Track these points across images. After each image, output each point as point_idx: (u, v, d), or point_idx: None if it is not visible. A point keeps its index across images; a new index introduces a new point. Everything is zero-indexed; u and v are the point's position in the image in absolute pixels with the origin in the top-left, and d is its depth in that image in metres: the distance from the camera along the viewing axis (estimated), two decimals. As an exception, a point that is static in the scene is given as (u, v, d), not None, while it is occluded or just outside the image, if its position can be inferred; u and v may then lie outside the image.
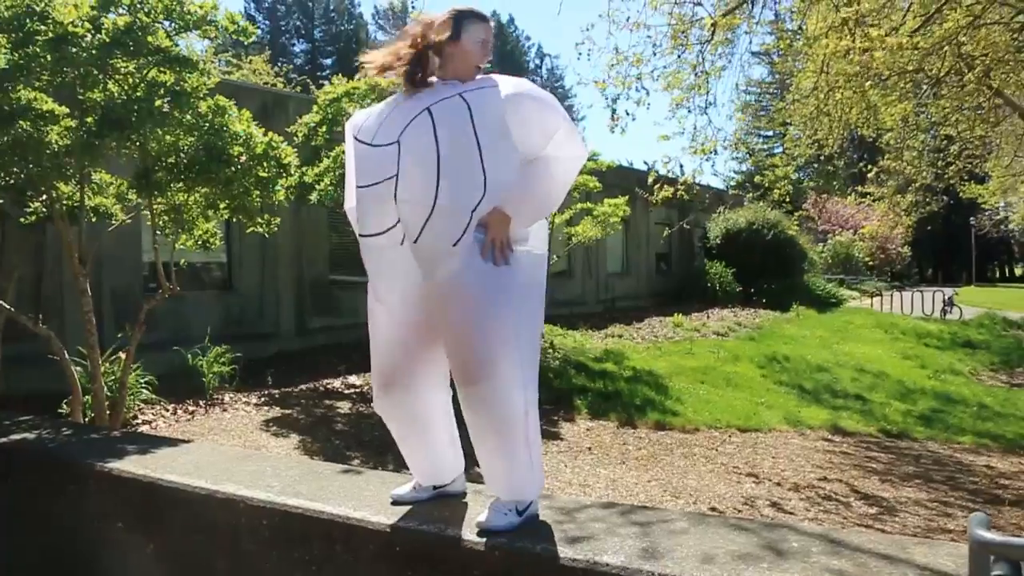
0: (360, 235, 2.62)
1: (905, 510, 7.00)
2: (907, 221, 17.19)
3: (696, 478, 7.49)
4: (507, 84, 2.59)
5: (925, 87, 10.93)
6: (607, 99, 9.78)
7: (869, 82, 9.82)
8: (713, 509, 6.62)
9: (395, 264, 2.59)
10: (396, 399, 2.65)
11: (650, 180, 11.48)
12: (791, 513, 6.66)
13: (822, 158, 12.47)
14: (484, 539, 2.36)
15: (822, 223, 35.30)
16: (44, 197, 6.38)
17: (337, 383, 10.32)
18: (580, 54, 10.04)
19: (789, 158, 12.54)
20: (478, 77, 2.65)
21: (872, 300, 28.26)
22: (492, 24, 2.68)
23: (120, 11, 5.67)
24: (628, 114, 9.84)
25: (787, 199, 13.80)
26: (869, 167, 14.19)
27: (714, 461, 8.17)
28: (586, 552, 2.22)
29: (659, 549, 2.23)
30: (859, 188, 17.34)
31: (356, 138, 2.61)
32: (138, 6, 5.64)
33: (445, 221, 2.46)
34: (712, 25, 9.15)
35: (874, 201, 16.39)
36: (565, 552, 2.23)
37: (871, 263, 36.36)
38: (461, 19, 2.60)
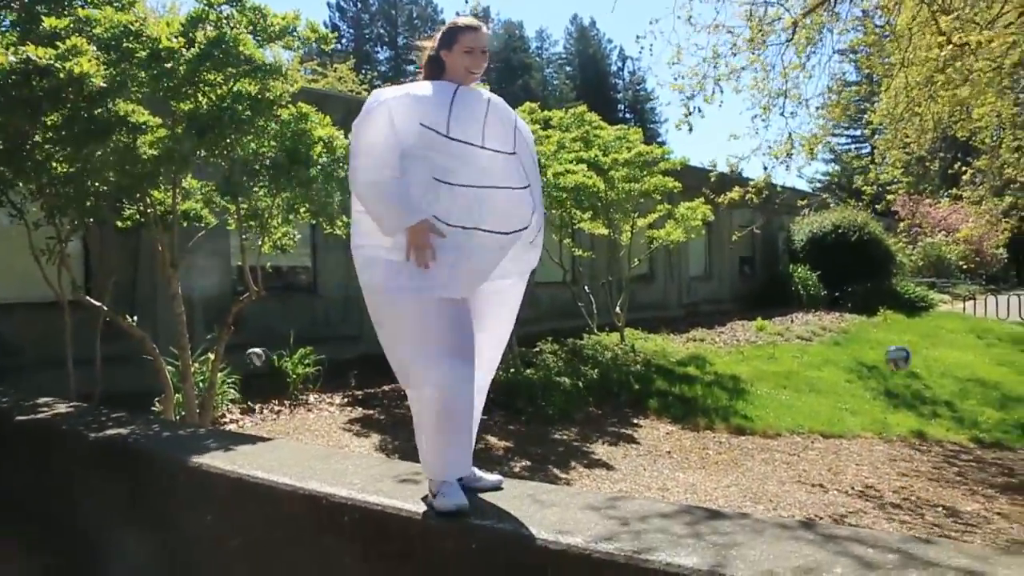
0: (477, 229, 2.68)
1: (995, 523, 6.78)
2: (1007, 225, 16.56)
3: (776, 484, 7.39)
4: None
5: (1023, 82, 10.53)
6: (682, 96, 9.70)
7: (961, 79, 9.54)
8: (792, 516, 6.52)
9: (489, 263, 2.77)
10: (472, 375, 2.76)
11: (711, 174, 11.35)
12: (873, 522, 6.51)
13: (912, 159, 12.13)
14: (560, 538, 2.38)
15: (912, 225, 34.27)
16: (138, 204, 6.64)
17: (418, 385, 10.44)
18: (642, 48, 10.03)
19: (882, 161, 12.24)
20: (475, 86, 2.90)
21: (964, 304, 27.33)
22: (483, 33, 2.86)
23: (207, 27, 5.88)
24: (699, 110, 9.76)
25: (887, 204, 13.41)
26: (963, 168, 13.74)
27: (795, 467, 8.04)
28: (658, 556, 2.23)
29: (730, 555, 2.22)
30: (953, 190, 16.78)
31: (450, 136, 2.67)
32: (225, 21, 5.84)
33: (542, 224, 2.90)
34: (793, 24, 9.00)
35: (972, 204, 15.82)
36: (639, 555, 2.24)
37: (965, 266, 35.12)
38: (450, 31, 2.86)
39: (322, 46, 6.52)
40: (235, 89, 5.96)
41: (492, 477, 2.97)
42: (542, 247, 3.01)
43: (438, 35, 2.89)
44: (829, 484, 7.54)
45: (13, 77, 5.02)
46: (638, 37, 13.52)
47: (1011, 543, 6.22)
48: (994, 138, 12.69)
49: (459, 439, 2.75)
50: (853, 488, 7.48)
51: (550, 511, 2.64)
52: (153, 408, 7.34)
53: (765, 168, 11.29)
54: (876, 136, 13.05)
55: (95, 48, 5.43)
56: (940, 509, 7.02)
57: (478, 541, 2.54)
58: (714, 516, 2.68)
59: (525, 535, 2.45)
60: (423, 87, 2.78)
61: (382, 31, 72.97)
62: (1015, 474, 8.71)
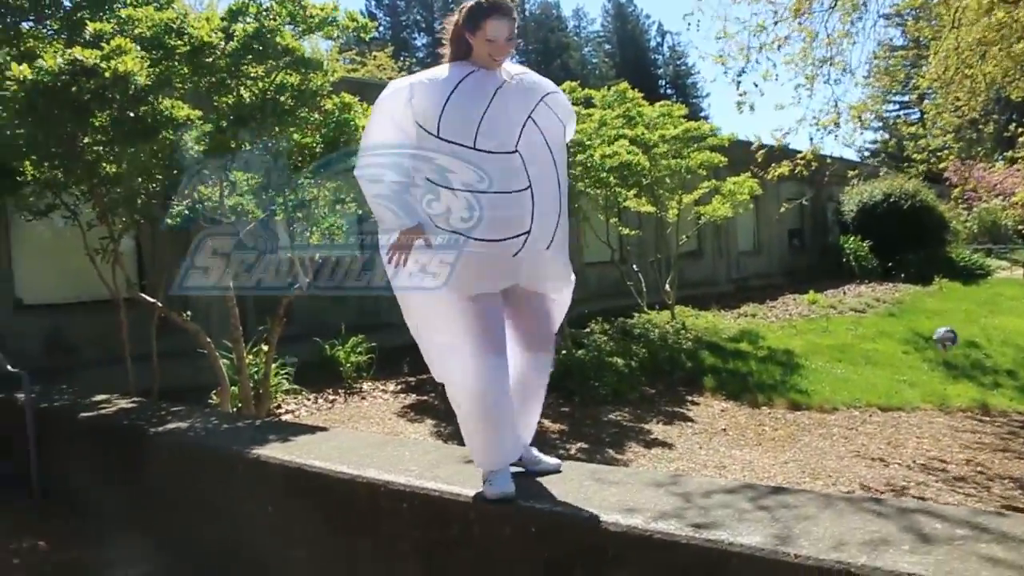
0: (479, 239, 2.62)
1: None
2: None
3: (835, 459, 7.28)
4: (561, 95, 2.89)
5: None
6: (726, 71, 9.54)
7: (1016, 36, 9.24)
8: (852, 492, 6.42)
9: (495, 268, 2.68)
10: (503, 365, 2.73)
11: (754, 147, 11.16)
12: (937, 496, 6.39)
13: (964, 123, 11.81)
14: (619, 520, 2.36)
15: (966, 191, 33.42)
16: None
17: (469, 369, 10.46)
18: (688, 25, 9.88)
19: (933, 126, 11.93)
20: (511, 67, 2.78)
21: (1024, 270, 26.69)
22: (509, 21, 2.68)
23: (248, 20, 5.90)
24: (755, 86, 9.59)
25: (936, 171, 13.06)
26: (1021, 129, 13.35)
27: (854, 441, 7.92)
28: (720, 534, 2.20)
29: (794, 532, 2.19)
30: (1009, 153, 16.30)
31: (440, 136, 2.61)
32: (264, 14, 5.86)
33: (564, 230, 2.76)
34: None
35: None
36: (700, 534, 2.22)
37: (1023, 231, 34.20)
38: (475, 13, 2.69)
39: (361, 35, 6.51)
40: (277, 81, 5.99)
41: (551, 460, 2.95)
42: (571, 249, 2.91)
43: (464, 11, 2.73)
44: (889, 458, 7.41)
45: (62, 79, 5.10)
46: (685, 15, 13.23)
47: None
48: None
49: (496, 429, 2.71)
50: (915, 462, 7.34)
51: (610, 491, 2.62)
52: (210, 401, 7.44)
53: (811, 139, 11.06)
54: (925, 101, 12.73)
55: (139, 47, 5.49)
56: (1007, 482, 6.86)
57: (537, 525, 2.53)
58: (776, 492, 2.64)
59: (584, 517, 2.44)
60: (430, 75, 2.72)
61: (418, 17, 72.92)
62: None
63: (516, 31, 2.73)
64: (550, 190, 2.70)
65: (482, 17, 2.66)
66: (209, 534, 3.91)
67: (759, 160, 11.03)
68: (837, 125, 10.22)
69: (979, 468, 7.19)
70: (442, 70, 2.73)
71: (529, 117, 2.69)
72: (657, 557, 2.27)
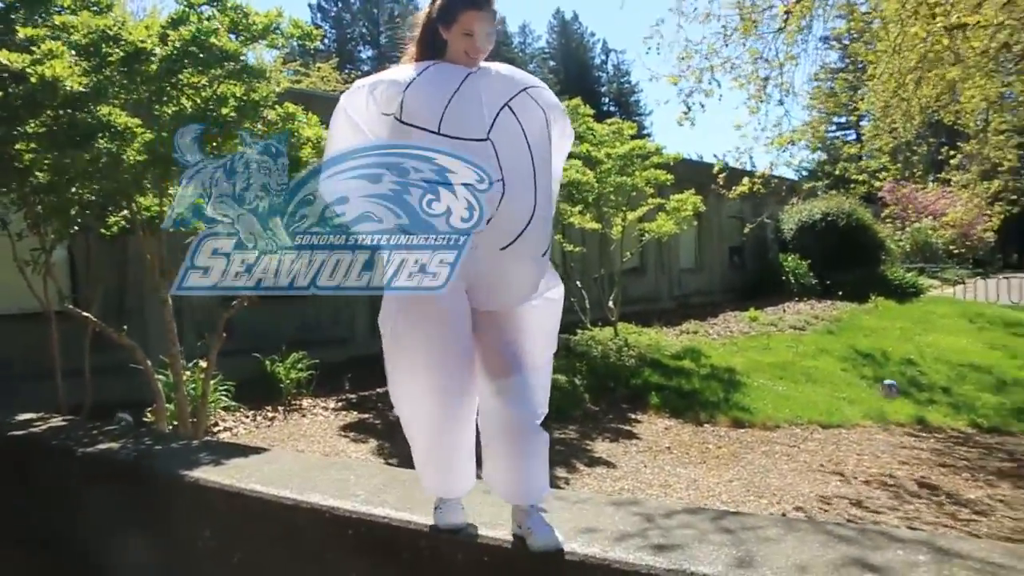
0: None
1: (1000, 510, 6.73)
2: (998, 210, 16.47)
3: (778, 477, 7.32)
4: (547, 91, 2.59)
5: (1010, 65, 10.49)
6: (680, 92, 9.66)
7: (950, 64, 9.48)
8: (798, 509, 6.46)
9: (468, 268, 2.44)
10: (473, 402, 2.51)
11: (716, 169, 11.33)
12: (879, 513, 6.45)
13: (900, 143, 12.10)
14: (575, 548, 2.29)
15: (899, 210, 34.35)
16: (124, 211, 6.51)
17: (412, 386, 10.33)
18: (649, 49, 9.97)
19: (871, 148, 12.21)
20: (487, 64, 2.51)
21: (954, 289, 27.38)
22: (488, 12, 2.43)
23: (189, 28, 5.74)
24: (701, 106, 9.72)
25: (872, 191, 13.39)
26: (951, 153, 13.71)
27: (796, 459, 7.98)
28: (679, 561, 2.15)
29: (754, 558, 2.14)
30: (940, 175, 16.74)
31: (402, 121, 2.39)
32: (206, 23, 5.71)
33: (538, 233, 2.45)
34: (786, 13, 8.93)
35: (960, 188, 15.74)
36: (658, 562, 2.16)
37: (953, 250, 35.25)
38: (451, 4, 2.43)
39: (306, 43, 6.38)
40: (219, 92, 5.84)
41: (551, 539, 2.33)
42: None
43: (437, 2, 2.47)
44: (831, 475, 7.47)
45: (-12, 84, 4.91)
46: (645, 39, 13.39)
47: (1019, 531, 6.17)
48: (978, 122, 12.65)
49: (441, 455, 2.53)
50: (855, 478, 7.41)
51: (564, 516, 2.55)
52: (145, 419, 7.21)
53: (750, 158, 11.32)
54: (863, 122, 13.02)
55: (74, 54, 5.31)
56: (944, 497, 6.96)
57: (490, 554, 2.45)
58: (737, 514, 2.59)
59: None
60: (395, 68, 2.51)
61: (364, 30, 72.68)
62: (1015, 458, 8.68)
63: (493, 29, 2.47)
64: (523, 185, 2.41)
65: (459, 8, 2.41)
66: (143, 560, 3.74)
67: (720, 182, 11.20)
68: (793, 143, 10.40)
69: (918, 484, 7.29)
70: (408, 65, 2.51)
71: (506, 105, 2.42)
72: (615, 587, 2.20)
